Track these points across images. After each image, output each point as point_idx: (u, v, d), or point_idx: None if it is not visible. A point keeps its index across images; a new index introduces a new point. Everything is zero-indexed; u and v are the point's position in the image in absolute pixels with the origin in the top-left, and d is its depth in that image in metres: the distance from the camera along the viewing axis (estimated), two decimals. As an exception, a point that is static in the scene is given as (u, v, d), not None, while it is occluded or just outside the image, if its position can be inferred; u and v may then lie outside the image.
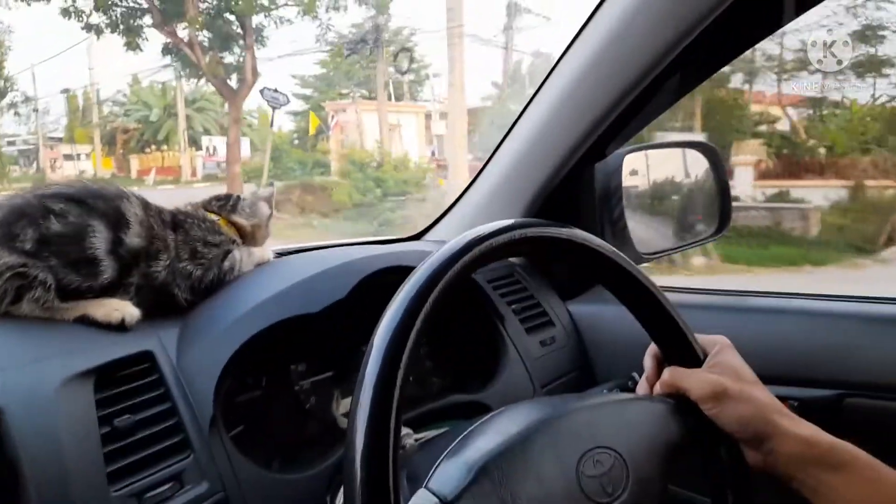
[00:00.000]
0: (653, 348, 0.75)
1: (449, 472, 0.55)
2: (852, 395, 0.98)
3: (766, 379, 1.03)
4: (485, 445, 0.57)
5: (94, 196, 0.85)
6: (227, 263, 0.95)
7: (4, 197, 0.83)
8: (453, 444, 0.59)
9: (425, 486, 0.54)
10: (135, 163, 27.30)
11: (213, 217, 0.99)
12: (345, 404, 0.97)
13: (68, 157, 25.32)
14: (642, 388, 0.76)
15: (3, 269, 0.77)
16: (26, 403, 0.65)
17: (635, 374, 1.03)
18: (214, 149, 25.91)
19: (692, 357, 0.70)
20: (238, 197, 1.04)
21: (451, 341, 1.06)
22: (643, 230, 1.33)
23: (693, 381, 0.68)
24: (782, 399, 1.01)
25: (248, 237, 1.03)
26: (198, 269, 0.92)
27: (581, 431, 0.61)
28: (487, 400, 0.98)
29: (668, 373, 0.70)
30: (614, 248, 0.68)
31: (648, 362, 0.76)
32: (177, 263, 0.90)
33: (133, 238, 0.86)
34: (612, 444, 0.60)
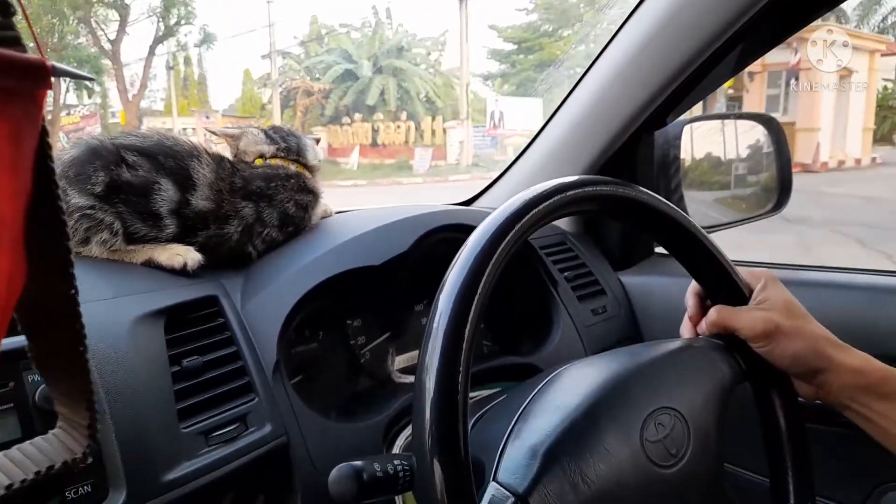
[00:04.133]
0: (694, 286, 0.73)
1: (516, 462, 0.54)
2: None
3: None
4: (547, 425, 0.56)
5: (165, 153, 0.85)
6: (306, 219, 0.95)
7: (84, 136, 0.84)
8: (514, 423, 0.58)
9: (494, 480, 0.54)
10: (322, 137, 16.97)
11: (292, 168, 0.95)
12: (399, 360, 0.98)
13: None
14: (685, 327, 0.74)
15: (73, 209, 0.78)
16: (103, 337, 0.67)
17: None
18: (501, 115, 16.73)
19: (737, 293, 0.68)
20: (301, 136, 0.99)
21: (504, 304, 1.06)
22: (700, 201, 1.31)
23: (743, 319, 0.66)
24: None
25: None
26: (281, 235, 0.92)
27: (639, 395, 0.60)
28: (540, 363, 0.98)
29: (714, 312, 0.68)
30: (644, 188, 0.66)
31: (690, 300, 0.74)
32: (258, 228, 0.89)
33: (199, 201, 0.85)
34: (670, 403, 0.60)
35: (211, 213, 0.86)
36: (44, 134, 0.29)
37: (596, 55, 1.18)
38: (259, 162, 0.93)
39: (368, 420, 0.82)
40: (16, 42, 0.27)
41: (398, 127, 18.89)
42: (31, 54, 0.28)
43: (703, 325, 0.70)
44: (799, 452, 0.68)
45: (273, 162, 0.94)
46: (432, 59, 21.79)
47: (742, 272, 0.70)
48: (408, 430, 0.83)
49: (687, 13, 1.04)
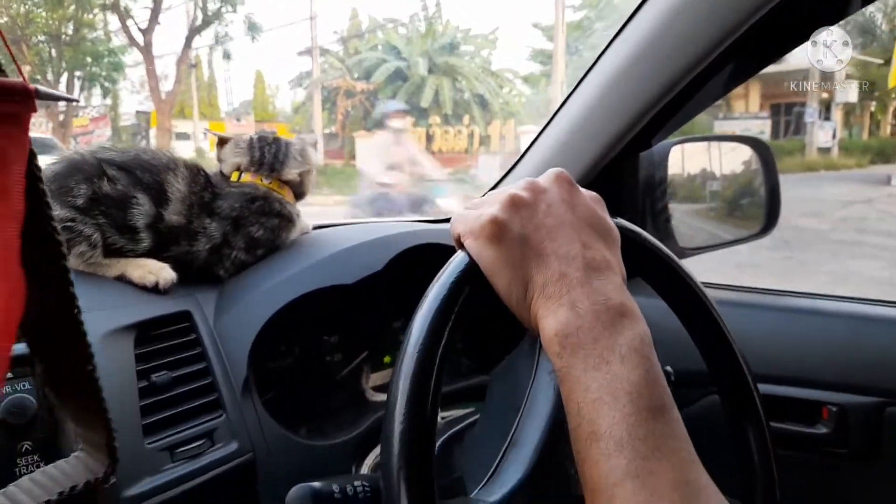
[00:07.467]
0: None
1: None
2: (895, 404, 0.94)
3: (806, 382, 1.01)
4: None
5: (142, 167, 0.86)
6: (277, 242, 0.94)
7: (65, 152, 0.85)
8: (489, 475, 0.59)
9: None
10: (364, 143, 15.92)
11: (260, 189, 0.93)
12: (374, 378, 0.98)
13: (181, 136, 16.45)
14: None
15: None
16: None
17: (668, 368, 1.02)
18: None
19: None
20: (286, 144, 0.97)
21: (481, 324, 1.06)
22: (687, 224, 1.31)
23: None
24: (822, 404, 0.99)
25: (298, 187, 0.98)
26: (250, 257, 0.91)
27: None
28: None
29: None
30: (683, 266, 0.66)
31: None
32: (226, 250, 0.89)
33: (171, 216, 0.86)
34: None
35: (182, 228, 0.87)
36: (32, 157, 0.29)
37: (580, 78, 1.19)
38: (235, 175, 0.93)
39: (339, 438, 0.82)
40: None
41: (458, 132, 16.96)
42: (14, 78, 0.28)
43: None
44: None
45: (245, 178, 0.93)
46: (484, 55, 19.47)
47: None
48: (378, 449, 0.83)
49: (673, 33, 1.04)
